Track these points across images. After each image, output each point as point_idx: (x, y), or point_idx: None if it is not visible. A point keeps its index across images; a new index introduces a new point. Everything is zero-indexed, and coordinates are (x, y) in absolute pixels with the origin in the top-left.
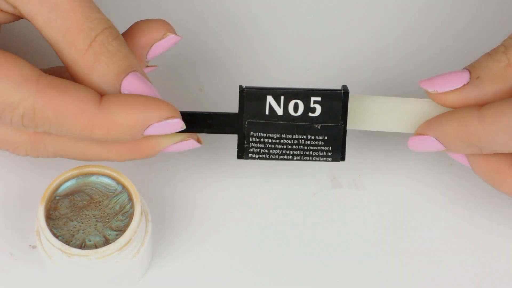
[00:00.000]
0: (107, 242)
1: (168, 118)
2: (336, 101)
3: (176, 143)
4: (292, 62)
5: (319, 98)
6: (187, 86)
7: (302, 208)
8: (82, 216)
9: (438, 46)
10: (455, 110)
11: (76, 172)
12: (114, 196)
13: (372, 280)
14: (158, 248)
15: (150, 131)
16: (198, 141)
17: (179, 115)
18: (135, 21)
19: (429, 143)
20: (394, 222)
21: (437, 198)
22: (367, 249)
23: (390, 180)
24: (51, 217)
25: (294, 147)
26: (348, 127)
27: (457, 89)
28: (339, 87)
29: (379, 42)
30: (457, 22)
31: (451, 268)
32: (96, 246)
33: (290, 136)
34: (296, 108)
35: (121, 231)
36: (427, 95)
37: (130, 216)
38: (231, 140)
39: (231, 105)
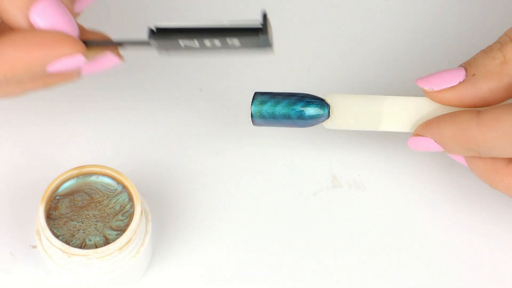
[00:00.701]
0: (107, 242)
1: (69, 54)
2: (256, 39)
3: (91, 63)
4: (292, 62)
5: (236, 40)
6: (187, 86)
7: (302, 208)
8: (82, 216)
9: (436, 44)
10: (454, 113)
11: (76, 172)
12: (114, 196)
13: (372, 280)
14: (158, 248)
15: (51, 69)
16: (118, 55)
17: (82, 49)
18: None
19: (428, 144)
20: (394, 222)
21: (437, 198)
22: (367, 249)
23: (390, 180)
24: (51, 217)
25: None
26: (343, 127)
27: (453, 86)
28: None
29: (376, 41)
30: (454, 20)
31: (451, 268)
32: (96, 246)
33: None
34: (212, 42)
35: (121, 231)
36: (424, 93)
37: (130, 216)
38: (231, 140)
39: (231, 105)
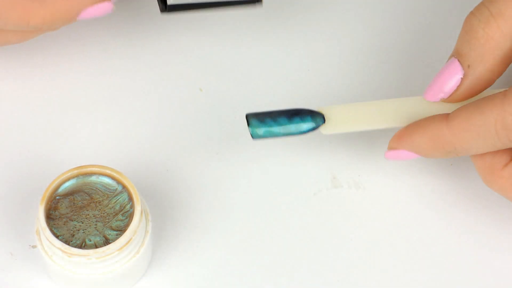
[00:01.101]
0: (107, 242)
1: (100, 1)
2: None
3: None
4: (292, 62)
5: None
6: (187, 86)
7: (302, 208)
8: (82, 216)
9: (436, 43)
10: (422, 122)
11: (76, 172)
12: (114, 196)
13: (372, 280)
14: (158, 248)
15: (83, 15)
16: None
17: None
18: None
19: (405, 155)
20: (394, 222)
21: (437, 198)
22: (367, 249)
23: (390, 180)
24: (51, 217)
25: None
26: (339, 132)
27: (458, 86)
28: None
29: (376, 41)
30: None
31: (451, 268)
32: (96, 246)
33: None
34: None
35: (121, 231)
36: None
37: (130, 216)
38: (231, 140)
39: (231, 105)
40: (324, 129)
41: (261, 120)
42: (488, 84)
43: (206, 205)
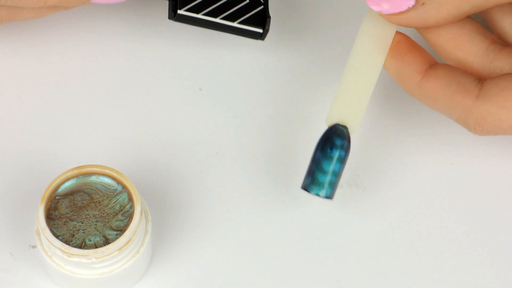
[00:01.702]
0: (107, 242)
1: None
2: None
3: None
4: (293, 62)
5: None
6: (187, 86)
7: (302, 208)
8: (82, 216)
9: None
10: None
11: (76, 172)
12: (114, 196)
13: (372, 280)
14: (158, 248)
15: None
16: None
17: None
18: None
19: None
20: (394, 222)
21: (437, 198)
22: (367, 249)
23: (390, 180)
24: (51, 217)
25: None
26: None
27: (401, 12)
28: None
29: None
30: None
31: (451, 267)
32: (96, 246)
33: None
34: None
35: (121, 231)
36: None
37: (130, 216)
38: (231, 140)
39: (231, 105)
40: (353, 132)
41: (312, 180)
42: (430, 27)
43: (206, 205)
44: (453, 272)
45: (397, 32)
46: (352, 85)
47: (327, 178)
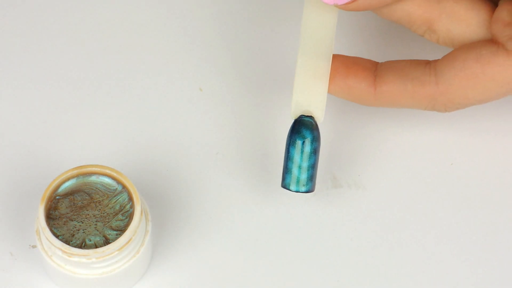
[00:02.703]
0: (107, 241)
1: None
2: None
3: None
4: (293, 62)
5: None
6: (187, 86)
7: (302, 208)
8: (82, 216)
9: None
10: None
11: (76, 172)
12: (114, 196)
13: (372, 280)
14: (158, 248)
15: None
16: None
17: None
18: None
19: None
20: (394, 222)
21: (437, 198)
22: (367, 249)
23: (390, 180)
24: (51, 217)
25: None
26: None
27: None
28: None
29: (376, 40)
30: None
31: (451, 267)
32: (96, 246)
33: None
34: None
35: (121, 230)
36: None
37: (130, 216)
38: (231, 140)
39: (231, 105)
40: (319, 120)
41: (291, 178)
42: (384, 6)
43: (206, 205)
44: (453, 272)
45: (332, 57)
46: (307, 74)
47: (305, 174)
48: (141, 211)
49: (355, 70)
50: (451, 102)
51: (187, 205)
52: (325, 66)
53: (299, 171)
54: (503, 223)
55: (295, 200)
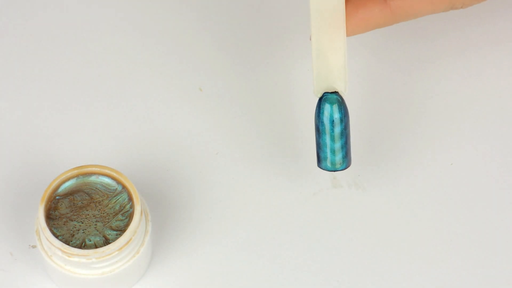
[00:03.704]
0: (107, 242)
1: None
2: None
3: None
4: (292, 62)
5: None
6: (187, 86)
7: (302, 208)
8: (82, 216)
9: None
10: None
11: (76, 172)
12: (114, 196)
13: (372, 280)
14: (158, 248)
15: None
16: None
17: None
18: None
19: None
20: (394, 222)
21: (437, 198)
22: (367, 249)
23: (389, 180)
24: (51, 217)
25: None
26: None
27: None
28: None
29: (376, 41)
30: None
31: (451, 267)
32: (96, 246)
33: None
34: None
35: (121, 231)
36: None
37: (130, 216)
38: (231, 140)
39: (231, 105)
40: (344, 93)
41: (330, 160)
42: None
43: (206, 205)
44: (453, 272)
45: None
46: (323, 47)
47: (339, 154)
48: (141, 211)
49: (360, 1)
50: None
51: (187, 205)
52: (340, 35)
53: (332, 154)
54: (503, 223)
55: (295, 200)
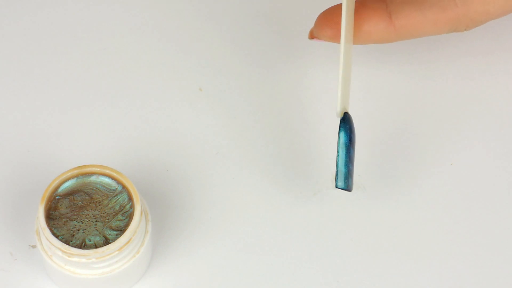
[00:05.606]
0: (107, 242)
1: None
2: None
3: None
4: (292, 62)
5: None
6: (187, 86)
7: (302, 208)
8: (82, 216)
9: (438, 44)
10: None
11: (76, 172)
12: (114, 196)
13: (372, 281)
14: (158, 248)
15: None
16: None
17: None
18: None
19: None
20: (394, 222)
21: (437, 198)
22: (367, 249)
23: (390, 180)
24: (51, 217)
25: None
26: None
27: None
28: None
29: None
30: None
31: (451, 268)
32: (96, 246)
33: None
34: None
35: (121, 231)
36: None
37: (130, 216)
38: (231, 140)
39: (231, 105)
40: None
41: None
42: None
43: (206, 205)
44: (453, 272)
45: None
46: (345, 75)
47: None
48: (141, 211)
49: (367, 15)
50: (472, 21)
51: (187, 205)
52: (351, 67)
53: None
54: (503, 223)
55: (295, 200)
